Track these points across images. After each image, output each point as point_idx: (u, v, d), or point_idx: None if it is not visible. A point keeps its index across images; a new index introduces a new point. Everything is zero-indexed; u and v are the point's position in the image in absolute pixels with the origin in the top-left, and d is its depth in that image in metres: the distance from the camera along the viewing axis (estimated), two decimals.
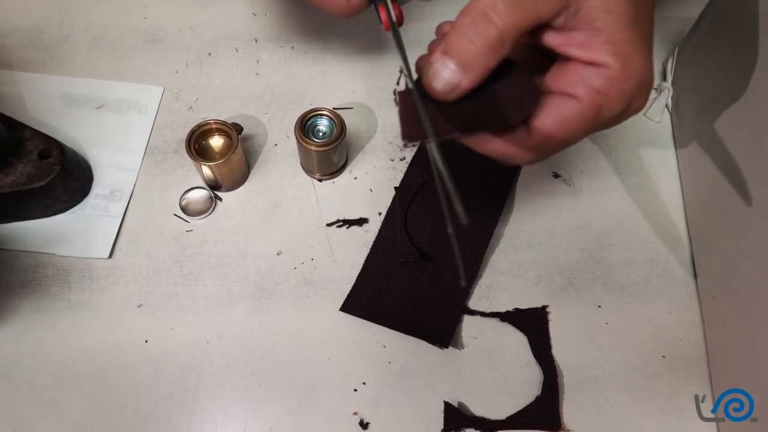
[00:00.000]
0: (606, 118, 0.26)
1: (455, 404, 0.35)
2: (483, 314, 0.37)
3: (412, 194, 0.40)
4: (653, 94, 0.45)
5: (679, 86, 0.44)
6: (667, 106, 0.45)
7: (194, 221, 0.40)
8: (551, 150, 0.27)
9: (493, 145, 0.27)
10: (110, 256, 0.39)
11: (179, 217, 0.40)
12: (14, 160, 0.38)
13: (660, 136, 0.44)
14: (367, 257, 0.39)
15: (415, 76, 0.27)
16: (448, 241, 0.38)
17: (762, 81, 0.33)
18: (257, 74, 0.45)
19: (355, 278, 0.38)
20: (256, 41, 0.46)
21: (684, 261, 0.39)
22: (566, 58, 0.26)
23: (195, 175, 0.41)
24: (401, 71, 0.26)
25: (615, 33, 0.24)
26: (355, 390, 0.36)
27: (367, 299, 0.37)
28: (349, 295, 0.37)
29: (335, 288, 0.38)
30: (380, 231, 0.39)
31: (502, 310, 0.38)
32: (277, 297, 0.38)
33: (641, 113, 0.45)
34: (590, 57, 0.25)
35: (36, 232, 0.39)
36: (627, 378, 0.36)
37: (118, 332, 0.37)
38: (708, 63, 0.41)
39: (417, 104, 0.25)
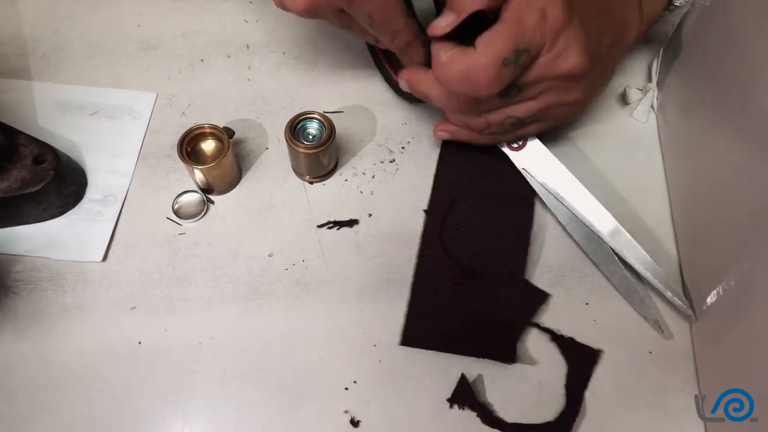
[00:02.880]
0: (529, 26, 0.32)
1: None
2: (539, 327, 0.38)
3: (444, 213, 0.40)
4: (639, 94, 0.45)
5: (664, 87, 0.45)
6: (652, 106, 0.45)
7: (187, 224, 0.40)
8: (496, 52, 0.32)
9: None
10: (104, 259, 0.39)
11: (172, 220, 0.41)
12: (9, 165, 0.38)
13: (646, 137, 0.45)
14: (412, 288, 0.38)
15: None
16: (491, 255, 0.39)
17: (744, 82, 0.34)
18: (249, 80, 0.46)
19: (345, 278, 0.39)
20: (247, 47, 0.47)
21: (670, 259, 0.40)
22: None
23: (188, 180, 0.42)
24: None
25: None
26: (346, 389, 0.36)
27: (425, 329, 0.37)
28: (405, 329, 0.37)
29: (327, 288, 0.39)
30: (419, 257, 0.39)
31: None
32: (269, 298, 0.38)
33: (629, 114, 0.45)
34: None
35: (31, 236, 0.40)
36: (614, 373, 0.37)
37: (112, 334, 0.37)
38: (692, 64, 0.42)
39: None
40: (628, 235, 0.38)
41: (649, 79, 0.46)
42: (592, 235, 0.39)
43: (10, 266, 0.39)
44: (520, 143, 0.41)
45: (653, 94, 0.45)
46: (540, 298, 0.38)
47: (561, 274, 0.39)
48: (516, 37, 0.32)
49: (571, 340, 0.37)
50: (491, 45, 0.32)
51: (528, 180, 0.41)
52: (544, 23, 0.32)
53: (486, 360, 0.36)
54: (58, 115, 0.44)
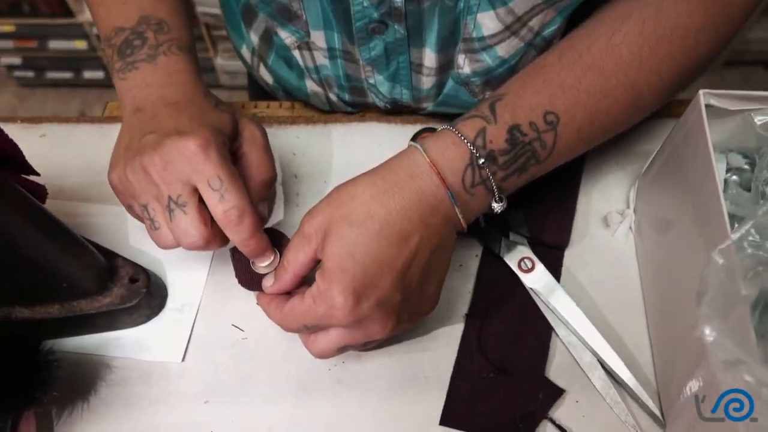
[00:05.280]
0: (317, 311, 0.40)
1: None
2: (554, 424, 0.45)
3: (481, 319, 0.49)
4: (619, 218, 0.55)
5: (641, 212, 0.54)
6: (630, 228, 0.55)
7: (248, 330, 0.50)
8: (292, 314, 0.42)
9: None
10: (183, 359, 0.48)
11: (236, 327, 0.50)
12: (111, 284, 0.48)
13: (625, 255, 0.54)
14: (451, 378, 0.47)
15: None
16: (517, 354, 0.48)
17: (706, 209, 0.42)
18: (297, 205, 0.56)
19: (377, 377, 0.47)
20: (296, 177, 0.58)
21: (646, 367, 0.48)
22: None
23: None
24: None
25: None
26: None
27: (460, 413, 0.46)
28: (444, 412, 0.46)
29: (363, 386, 0.47)
30: (459, 353, 0.48)
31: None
32: (315, 395, 0.47)
33: (611, 235, 0.54)
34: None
35: (123, 340, 0.49)
36: None
37: (188, 425, 0.46)
38: (661, 193, 0.51)
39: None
40: (608, 345, 0.47)
41: (627, 206, 0.55)
42: (580, 344, 0.48)
43: (108, 365, 0.48)
44: (530, 266, 0.50)
45: (630, 218, 0.54)
46: (556, 393, 0.47)
47: (556, 376, 0.48)
48: (305, 316, 0.40)
49: None
50: (290, 314, 0.42)
51: (532, 296, 0.50)
52: (331, 312, 0.39)
53: None
54: (144, 237, 0.53)
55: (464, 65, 0.53)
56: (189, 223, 0.41)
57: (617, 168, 0.58)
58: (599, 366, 0.47)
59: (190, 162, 0.40)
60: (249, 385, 0.47)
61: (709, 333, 0.28)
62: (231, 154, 0.44)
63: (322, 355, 0.43)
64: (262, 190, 0.46)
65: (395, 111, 0.62)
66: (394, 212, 0.40)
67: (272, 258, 0.45)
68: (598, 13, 0.48)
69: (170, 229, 0.42)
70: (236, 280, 0.50)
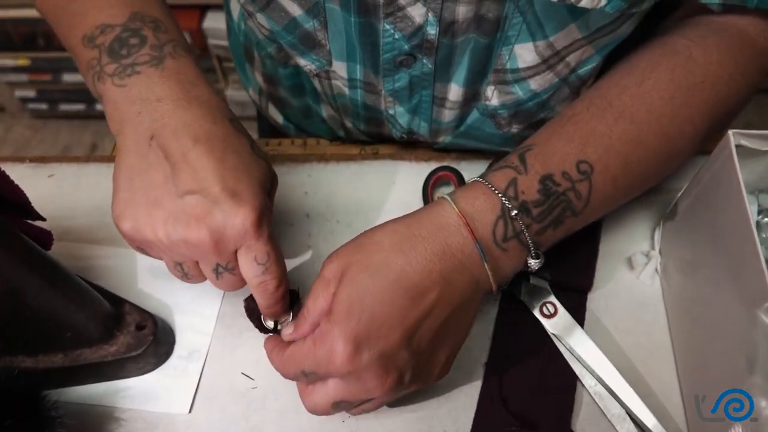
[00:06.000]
0: (320, 354, 0.37)
1: None
2: None
3: (501, 369, 0.47)
4: (644, 259, 0.53)
5: (666, 253, 0.52)
6: (656, 269, 0.52)
7: (258, 379, 0.48)
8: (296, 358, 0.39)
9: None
10: (190, 411, 0.46)
11: (246, 375, 0.48)
12: (117, 332, 0.46)
13: (652, 297, 0.51)
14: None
15: None
16: (542, 405, 0.45)
17: (740, 255, 0.40)
18: (309, 246, 0.54)
19: (392, 431, 0.45)
20: (308, 216, 0.56)
21: (676, 416, 0.45)
22: None
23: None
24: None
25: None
26: None
27: None
28: None
29: None
30: (478, 403, 0.46)
31: None
32: None
33: (636, 277, 0.52)
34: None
35: (129, 389, 0.47)
36: None
37: None
38: (687, 233, 0.49)
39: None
40: (636, 395, 0.44)
41: (652, 246, 0.53)
42: (607, 394, 0.45)
43: (112, 416, 0.46)
44: (552, 311, 0.48)
45: (656, 259, 0.52)
46: None
47: (583, 428, 0.45)
48: (304, 359, 0.38)
49: None
50: (289, 358, 0.39)
51: (556, 343, 0.48)
52: (330, 358, 0.36)
53: None
54: (152, 279, 0.52)
55: (492, 97, 0.52)
56: (237, 281, 0.41)
57: (640, 206, 0.56)
58: (628, 418, 0.45)
59: (242, 238, 0.38)
60: None
61: (765, 406, 0.26)
62: None
63: (316, 410, 0.40)
64: None
65: (410, 142, 0.61)
66: (414, 263, 0.38)
67: (285, 319, 0.44)
68: (625, 62, 0.47)
69: (212, 283, 0.42)
70: (247, 324, 0.48)
